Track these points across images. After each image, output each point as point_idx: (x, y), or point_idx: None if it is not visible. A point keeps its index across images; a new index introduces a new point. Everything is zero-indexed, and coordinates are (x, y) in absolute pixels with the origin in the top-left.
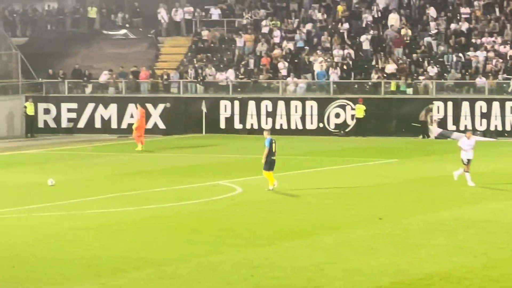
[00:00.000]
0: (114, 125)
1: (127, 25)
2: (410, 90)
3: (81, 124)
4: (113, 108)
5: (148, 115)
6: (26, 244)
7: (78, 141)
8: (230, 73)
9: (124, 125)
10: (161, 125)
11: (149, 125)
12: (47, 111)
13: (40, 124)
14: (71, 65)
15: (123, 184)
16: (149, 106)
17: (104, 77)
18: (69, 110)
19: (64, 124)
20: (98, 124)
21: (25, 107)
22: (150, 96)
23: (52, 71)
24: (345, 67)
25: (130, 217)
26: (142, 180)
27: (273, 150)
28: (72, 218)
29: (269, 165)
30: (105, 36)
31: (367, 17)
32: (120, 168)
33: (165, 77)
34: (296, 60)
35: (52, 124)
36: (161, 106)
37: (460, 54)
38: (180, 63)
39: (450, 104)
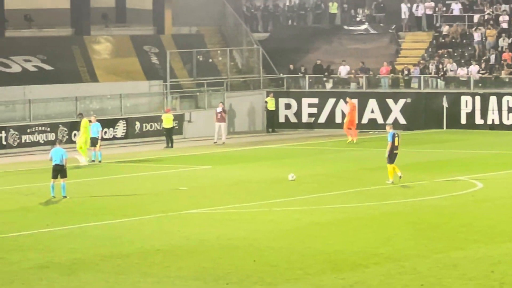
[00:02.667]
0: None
1: (368, 20)
2: None
3: (322, 119)
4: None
5: (388, 110)
6: (267, 238)
7: (318, 136)
8: (472, 68)
9: (364, 120)
10: (402, 120)
11: (390, 120)
12: (288, 106)
13: (281, 119)
14: (312, 61)
15: (364, 179)
16: (389, 101)
17: (342, 71)
18: (310, 105)
19: (305, 119)
20: (338, 119)
21: (266, 102)
22: (390, 91)
23: (293, 66)
24: None
25: (370, 212)
26: (382, 175)
27: (396, 144)
28: (313, 213)
29: (391, 158)
30: (346, 32)
31: None
32: (360, 163)
33: (405, 72)
34: None
35: (293, 119)
36: (401, 102)
37: None
38: (421, 58)
39: None
